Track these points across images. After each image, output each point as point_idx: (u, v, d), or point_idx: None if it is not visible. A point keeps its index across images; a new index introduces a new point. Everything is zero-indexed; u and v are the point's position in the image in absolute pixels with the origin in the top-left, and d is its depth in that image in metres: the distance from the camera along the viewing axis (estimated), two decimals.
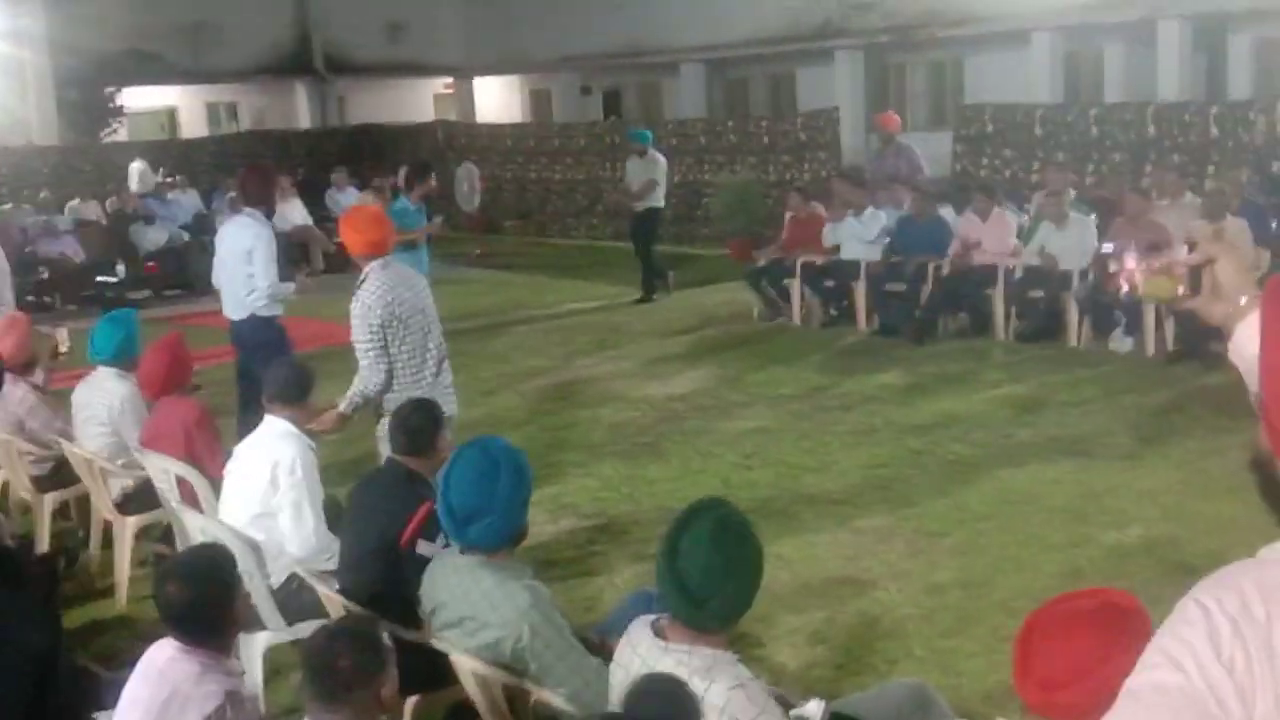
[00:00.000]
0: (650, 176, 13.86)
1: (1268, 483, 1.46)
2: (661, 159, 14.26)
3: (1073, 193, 12.03)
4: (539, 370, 10.77)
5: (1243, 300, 1.67)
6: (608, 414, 9.15)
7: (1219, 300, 1.73)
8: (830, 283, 12.02)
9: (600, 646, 3.37)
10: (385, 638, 2.96)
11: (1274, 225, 10.14)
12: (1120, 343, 10.25)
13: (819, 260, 12.11)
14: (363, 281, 5.75)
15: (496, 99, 30.30)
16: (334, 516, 4.87)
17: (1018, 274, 10.88)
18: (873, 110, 22.81)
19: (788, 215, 13.24)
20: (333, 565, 4.58)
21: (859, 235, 11.86)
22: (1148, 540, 6.13)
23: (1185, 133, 14.07)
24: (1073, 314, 10.46)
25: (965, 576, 5.78)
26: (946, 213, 12.10)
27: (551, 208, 21.35)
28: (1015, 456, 7.57)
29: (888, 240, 11.80)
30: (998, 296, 10.91)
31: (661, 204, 14.11)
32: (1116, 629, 2.31)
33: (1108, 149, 14.62)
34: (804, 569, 5.95)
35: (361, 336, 5.65)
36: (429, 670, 3.58)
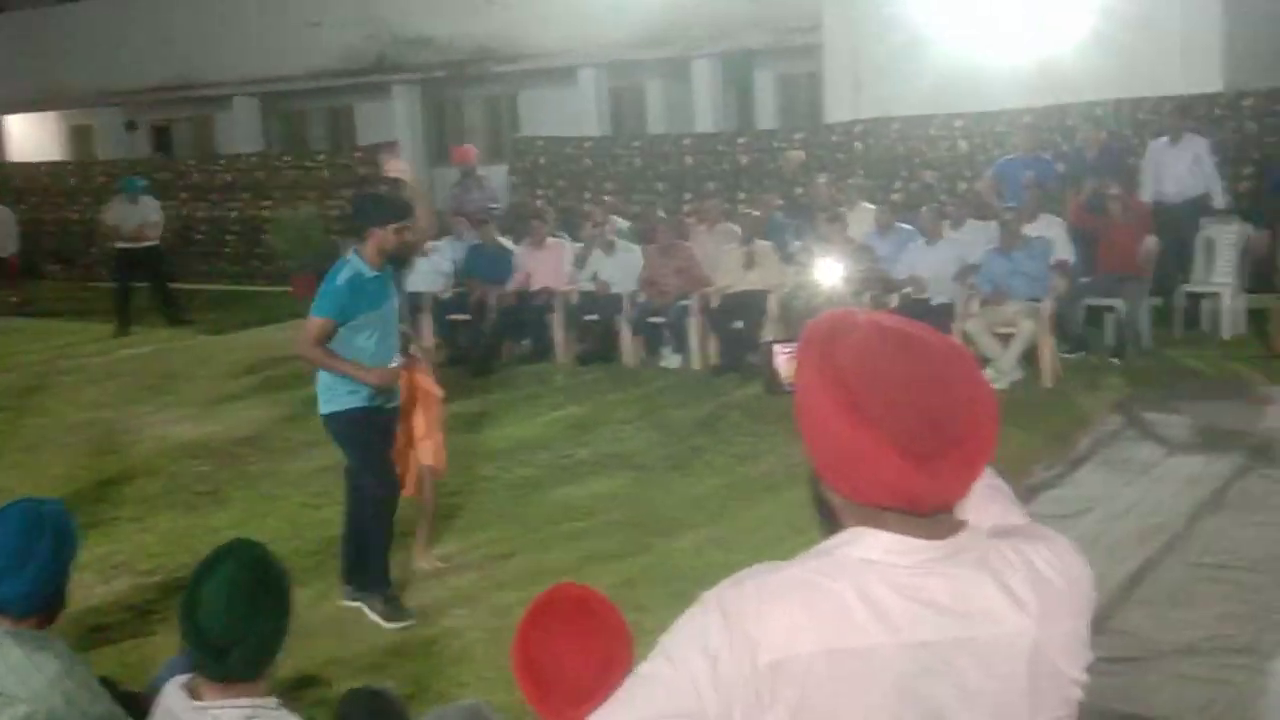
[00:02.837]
0: (156, 218, 14.92)
1: (815, 496, 1.61)
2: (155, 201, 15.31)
3: (622, 221, 12.71)
4: (88, 421, 10.13)
5: None
6: (165, 463, 8.75)
7: None
8: None
9: (145, 711, 3.25)
10: None
11: (795, 244, 11.09)
12: (669, 360, 10.92)
13: None
14: None
15: (31, 136, 28.18)
16: None
17: (574, 299, 11.34)
18: (432, 144, 23.04)
19: None
20: None
21: (435, 267, 12.02)
22: (696, 544, 6.56)
23: (719, 162, 15.18)
24: (625, 335, 11.03)
25: (530, 595, 5.91)
26: (507, 242, 12.46)
27: (98, 250, 20.07)
28: (576, 475, 7.90)
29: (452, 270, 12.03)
30: (557, 322, 11.33)
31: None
32: (586, 618, 2.46)
33: (651, 179, 15.53)
34: None
35: None
36: None
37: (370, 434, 5.76)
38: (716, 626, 1.45)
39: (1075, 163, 11.84)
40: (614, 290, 11.13)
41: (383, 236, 5.57)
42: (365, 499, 5.83)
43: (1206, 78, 13.12)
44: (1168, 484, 6.93)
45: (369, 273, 5.57)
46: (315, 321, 5.56)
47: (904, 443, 1.41)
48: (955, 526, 1.50)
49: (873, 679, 1.43)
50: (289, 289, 15.44)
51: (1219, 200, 10.94)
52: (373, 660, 5.33)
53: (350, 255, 5.62)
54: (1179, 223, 10.82)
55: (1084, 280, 10.20)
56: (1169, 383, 9.19)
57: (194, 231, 18.51)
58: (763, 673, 1.42)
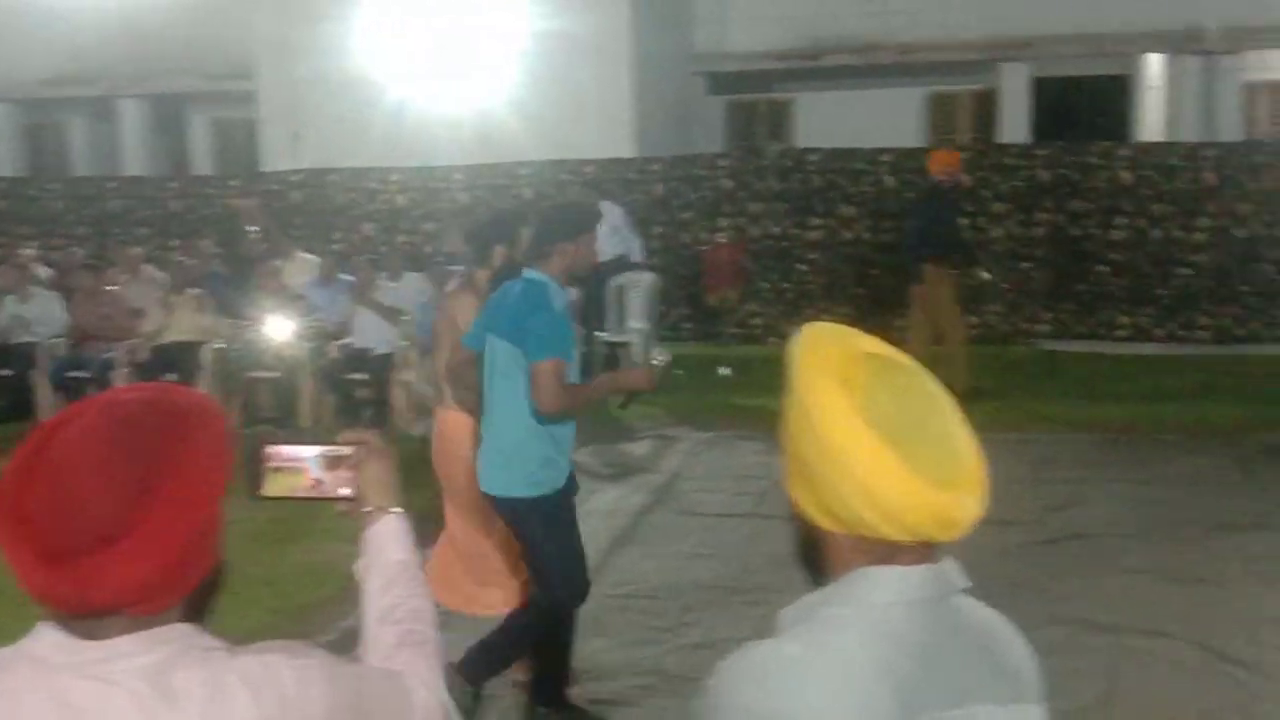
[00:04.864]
0: None
1: None
2: None
3: (44, 268, 11.83)
4: None
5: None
6: None
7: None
8: None
9: None
10: None
11: (232, 294, 10.82)
12: None
13: None
14: None
15: None
16: None
17: None
18: None
19: None
20: None
21: None
22: None
23: (149, 206, 14.53)
24: (44, 390, 10.24)
25: None
26: None
27: None
28: None
29: None
30: None
31: None
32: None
33: (72, 222, 14.58)
34: None
35: None
36: None
37: (567, 516, 4.55)
38: None
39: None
40: (32, 340, 10.33)
41: (575, 251, 4.49)
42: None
43: (620, 143, 14.31)
44: (589, 520, 7.41)
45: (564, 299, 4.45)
46: (546, 367, 4.17)
47: (40, 541, 1.35)
48: (128, 628, 1.41)
49: None
50: None
51: (637, 257, 11.91)
52: None
53: (538, 275, 4.39)
54: (602, 277, 11.68)
55: None
56: (589, 424, 9.86)
57: None
58: None
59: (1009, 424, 9.39)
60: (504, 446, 4.38)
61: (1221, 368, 11.16)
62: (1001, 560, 6.54)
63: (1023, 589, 6.09)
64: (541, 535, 4.43)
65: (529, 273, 4.42)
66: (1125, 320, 12.61)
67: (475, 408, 4.63)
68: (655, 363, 4.49)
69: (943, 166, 10.16)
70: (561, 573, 4.47)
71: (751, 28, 16.86)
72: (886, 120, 16.76)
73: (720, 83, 17.98)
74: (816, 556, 1.51)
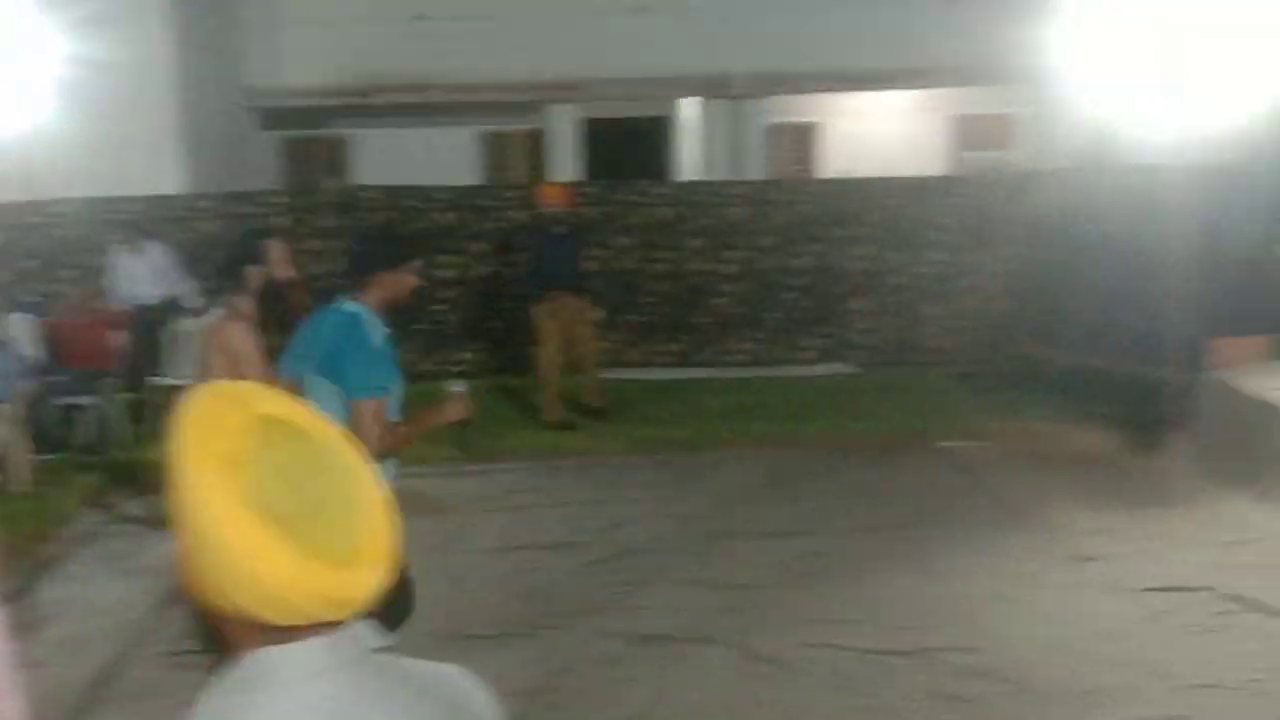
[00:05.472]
0: None
1: None
2: None
3: None
4: None
5: None
6: None
7: None
8: None
9: None
10: None
11: None
12: None
13: None
14: None
15: None
16: None
17: None
18: None
19: None
20: None
21: None
22: None
23: None
24: None
25: None
26: None
27: None
28: None
29: None
30: None
31: None
32: None
33: None
34: None
35: None
36: None
37: None
38: None
39: (49, 259, 11.74)
40: None
41: (395, 282, 4.32)
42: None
43: (167, 180, 13.77)
44: (141, 577, 7.14)
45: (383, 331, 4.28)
46: (367, 408, 4.05)
47: None
48: None
49: None
50: None
51: (189, 301, 11.47)
52: None
53: (354, 307, 4.25)
54: (151, 320, 11.20)
55: (55, 379, 10.12)
56: (143, 474, 9.44)
57: None
58: None
59: (572, 450, 9.88)
60: None
61: (753, 389, 12.16)
62: (564, 582, 6.90)
63: (581, 608, 6.47)
64: None
65: (346, 303, 4.36)
66: (668, 349, 13.49)
67: None
68: (455, 390, 4.41)
69: (552, 199, 10.60)
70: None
71: (303, 64, 16.67)
72: (444, 158, 17.07)
73: (274, 119, 17.64)
74: (217, 638, 1.42)
